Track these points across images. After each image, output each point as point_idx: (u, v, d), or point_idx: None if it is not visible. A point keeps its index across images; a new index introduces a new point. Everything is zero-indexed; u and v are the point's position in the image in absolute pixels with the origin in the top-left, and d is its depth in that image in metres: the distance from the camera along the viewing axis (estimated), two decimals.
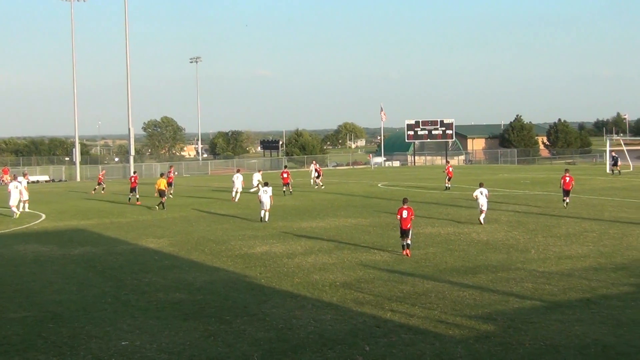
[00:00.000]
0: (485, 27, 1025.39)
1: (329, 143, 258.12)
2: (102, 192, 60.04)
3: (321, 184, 60.93)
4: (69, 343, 15.48)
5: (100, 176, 63.67)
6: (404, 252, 25.64)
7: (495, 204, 40.03)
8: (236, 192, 49.73)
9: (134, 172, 61.17)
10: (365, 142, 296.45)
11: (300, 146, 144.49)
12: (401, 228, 25.89)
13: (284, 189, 54.18)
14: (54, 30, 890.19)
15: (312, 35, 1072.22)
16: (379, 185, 63.01)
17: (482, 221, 33.49)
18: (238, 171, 53.04)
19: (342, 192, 55.39)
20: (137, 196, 49.21)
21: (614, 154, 75.84)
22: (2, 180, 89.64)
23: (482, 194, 33.92)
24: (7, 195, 43.93)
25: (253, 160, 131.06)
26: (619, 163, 71.40)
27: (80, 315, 18.04)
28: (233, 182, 50.30)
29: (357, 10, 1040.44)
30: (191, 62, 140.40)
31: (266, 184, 37.87)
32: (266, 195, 36.51)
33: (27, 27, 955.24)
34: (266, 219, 36.41)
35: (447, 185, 56.16)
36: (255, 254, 26.61)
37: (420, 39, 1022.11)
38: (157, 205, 44.91)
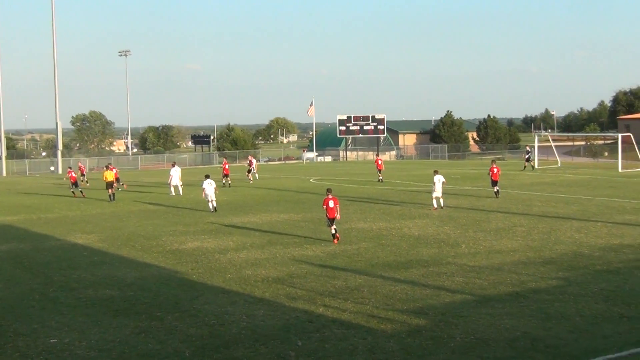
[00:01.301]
0: (414, 22, 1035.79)
1: (260, 138, 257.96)
2: (87, 184, 59.74)
3: (252, 178, 61.19)
4: None
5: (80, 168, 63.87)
6: (335, 241, 26.83)
7: (426, 199, 40.40)
8: (175, 186, 49.36)
9: (70, 167, 60.12)
10: (298, 137, 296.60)
11: (231, 141, 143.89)
12: (329, 217, 27.02)
13: (224, 181, 55.19)
14: None
15: (242, 29, 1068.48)
16: (311, 180, 63.11)
17: (441, 205, 36.89)
18: (174, 165, 52.55)
19: (274, 187, 55.32)
20: (80, 189, 50.11)
21: (527, 148, 77.89)
22: None
23: (439, 181, 36.88)
24: None
25: (184, 155, 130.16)
26: (532, 158, 72.70)
27: (7, 312, 17.70)
28: (171, 176, 49.78)
29: (289, 4, 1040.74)
30: (120, 56, 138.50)
31: (207, 176, 38.73)
32: (210, 187, 37.75)
33: None
34: (214, 208, 37.76)
35: (380, 177, 57.67)
36: (187, 249, 26.43)
37: (351, 35, 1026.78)
38: (109, 196, 45.84)
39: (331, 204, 26.99)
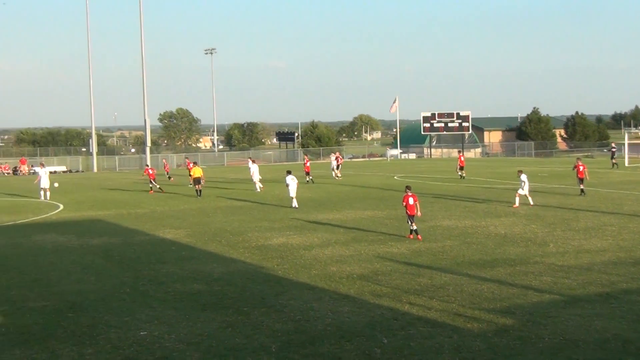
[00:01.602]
0: (500, 18, 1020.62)
1: (344, 135, 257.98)
2: (170, 180, 61.48)
3: (340, 175, 62.06)
4: (88, 332, 15.57)
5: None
6: (413, 237, 27.30)
7: (513, 197, 39.86)
8: (255, 182, 50.07)
9: (147, 165, 61.57)
10: (381, 134, 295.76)
11: (315, 138, 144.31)
12: (409, 214, 27.32)
13: (307, 178, 55.94)
14: (71, 22, 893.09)
15: (327, 26, 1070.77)
16: (395, 177, 62.92)
17: (530, 203, 36.89)
18: (253, 162, 53.20)
19: (358, 184, 55.35)
20: (158, 186, 51.04)
21: (613, 145, 75.90)
22: (20, 170, 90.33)
23: (526, 179, 37.32)
24: (39, 180, 47.63)
25: (269, 152, 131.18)
26: (615, 156, 70.72)
27: (99, 305, 18.13)
28: (253, 172, 50.56)
29: (373, 1, 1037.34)
30: (206, 54, 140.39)
31: (289, 172, 39.48)
32: (294, 182, 38.51)
33: (44, 19, 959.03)
34: (294, 205, 38.23)
35: (460, 174, 57.68)
36: (272, 245, 26.65)
37: (436, 31, 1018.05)
38: (196, 192, 46.57)
39: (411, 201, 27.40)
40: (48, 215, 38.22)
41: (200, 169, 48.98)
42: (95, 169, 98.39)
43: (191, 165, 54.56)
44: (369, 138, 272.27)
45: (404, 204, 27.61)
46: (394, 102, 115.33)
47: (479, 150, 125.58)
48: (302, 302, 17.93)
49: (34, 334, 15.60)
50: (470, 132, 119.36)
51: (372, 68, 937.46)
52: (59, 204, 43.76)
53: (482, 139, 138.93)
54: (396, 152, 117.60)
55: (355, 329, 15.41)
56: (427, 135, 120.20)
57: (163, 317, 16.74)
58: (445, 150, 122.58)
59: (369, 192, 47.69)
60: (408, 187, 28.44)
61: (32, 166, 61.50)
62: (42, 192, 47.42)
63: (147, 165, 56.68)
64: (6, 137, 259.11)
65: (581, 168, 41.60)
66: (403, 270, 21.53)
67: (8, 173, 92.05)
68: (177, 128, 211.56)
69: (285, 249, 25.71)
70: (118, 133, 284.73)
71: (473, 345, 14.11)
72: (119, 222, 34.27)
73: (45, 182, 47.49)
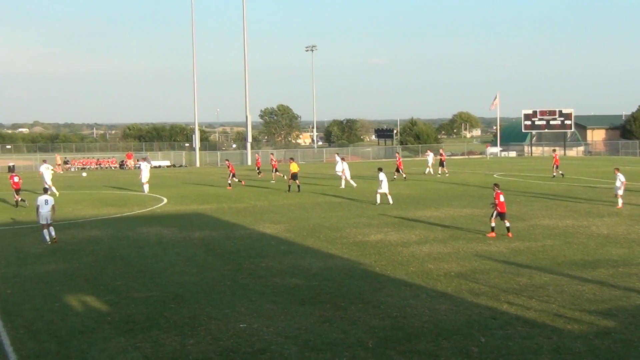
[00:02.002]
0: (606, 14, 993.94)
1: (443, 132, 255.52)
2: (259, 175, 62.78)
3: (446, 171, 63.10)
4: (190, 323, 15.91)
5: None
6: (499, 234, 27.21)
7: (615, 197, 38.79)
8: (346, 180, 50.50)
9: (227, 160, 62.28)
10: (481, 132, 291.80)
11: (414, 135, 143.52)
12: (500, 212, 27.25)
13: (395, 176, 56.04)
14: (175, 20, 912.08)
15: (426, 23, 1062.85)
16: (495, 175, 62.05)
17: (619, 204, 35.78)
18: (343, 159, 53.57)
19: (457, 181, 54.81)
20: (236, 180, 53.48)
21: None
22: (126, 165, 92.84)
23: (620, 179, 36.15)
24: (139, 173, 50.09)
25: (367, 149, 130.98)
26: None
27: (201, 297, 18.48)
28: (343, 169, 50.96)
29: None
30: (307, 51, 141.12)
31: (380, 169, 39.61)
32: (385, 179, 38.81)
33: (149, 17, 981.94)
34: (378, 201, 38.67)
35: (555, 173, 57.06)
36: (370, 241, 26.64)
37: (536, 27, 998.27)
38: (289, 186, 47.66)
39: (502, 198, 27.25)
40: (153, 208, 39.16)
41: (297, 165, 49.46)
42: (197, 164, 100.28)
43: (274, 161, 57.95)
44: (468, 135, 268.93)
45: (497, 201, 27.28)
46: (495, 99, 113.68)
47: (581, 148, 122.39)
48: (399, 298, 17.88)
49: (138, 323, 16.03)
50: (572, 130, 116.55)
51: (472, 65, 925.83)
52: (163, 197, 44.77)
53: (584, 137, 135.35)
54: (496, 149, 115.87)
55: (453, 327, 15.29)
56: (527, 133, 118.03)
57: (262, 310, 16.94)
58: (546, 148, 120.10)
59: (468, 190, 47.15)
60: (497, 185, 28.36)
61: (137, 160, 63.48)
62: (144, 186, 49.19)
63: (227, 160, 57.88)
64: (113, 132, 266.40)
65: None
66: (502, 269, 21.22)
67: (115, 167, 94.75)
68: (278, 124, 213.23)
69: (382, 246, 25.67)
70: (220, 129, 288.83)
71: (573, 347, 13.82)
72: (220, 216, 34.83)
73: (145, 176, 49.32)
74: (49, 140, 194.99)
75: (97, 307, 17.69)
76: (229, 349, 14.10)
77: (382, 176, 38.82)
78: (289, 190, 47.04)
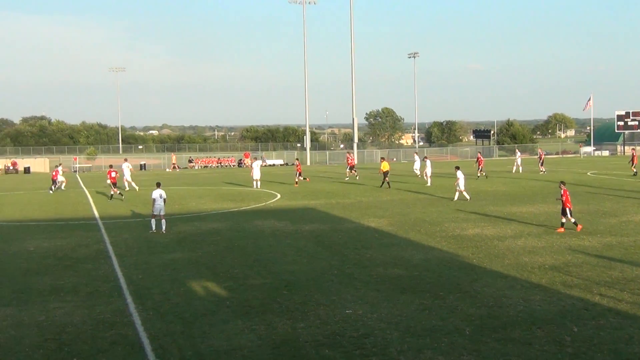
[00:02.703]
0: None
1: (538, 133, 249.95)
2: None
3: (543, 170, 61.84)
4: (300, 309, 16.06)
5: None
6: (564, 230, 26.62)
7: None
8: (424, 177, 51.31)
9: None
10: (575, 132, 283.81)
11: (510, 135, 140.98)
12: (568, 208, 26.82)
13: (479, 174, 56.18)
14: (288, 30, 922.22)
15: (520, 28, 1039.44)
16: (588, 173, 60.29)
17: None
18: (425, 158, 53.56)
19: (551, 179, 53.47)
20: (302, 178, 55.09)
21: None
22: (244, 163, 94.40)
23: None
24: (252, 172, 50.75)
25: (466, 149, 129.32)
26: None
27: (310, 284, 18.63)
28: (427, 167, 51.46)
29: (563, 3, 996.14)
30: (409, 58, 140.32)
31: (457, 168, 39.57)
32: (462, 176, 38.65)
33: (265, 29, 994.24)
34: (455, 198, 38.62)
35: (634, 171, 56.44)
36: (468, 235, 26.30)
37: (627, 30, 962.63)
38: (382, 184, 48.07)
39: (567, 194, 27.00)
40: (267, 203, 39.68)
41: (387, 164, 49.88)
42: (308, 163, 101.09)
43: (350, 159, 60.19)
44: (562, 136, 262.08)
45: (564, 198, 26.90)
46: (588, 100, 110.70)
47: None
48: (495, 289, 17.60)
49: (254, 307, 16.29)
50: None
51: (566, 68, 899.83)
52: (276, 193, 45.32)
53: None
54: (590, 149, 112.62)
55: (546, 317, 14.95)
56: (620, 133, 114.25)
57: (366, 298, 16.96)
58: (638, 148, 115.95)
59: None
60: (563, 183, 28.02)
61: (254, 159, 65.13)
62: (254, 182, 50.07)
63: (297, 160, 58.90)
64: (232, 133, 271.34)
65: None
66: (594, 263, 20.61)
67: (234, 165, 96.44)
68: (382, 126, 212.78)
69: (479, 239, 25.31)
70: (329, 130, 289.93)
71: None
72: (328, 211, 35.01)
73: (257, 174, 50.25)
74: (175, 141, 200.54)
75: (217, 292, 18.07)
76: (336, 333, 14.18)
77: (459, 174, 38.43)
78: (381, 186, 48.01)
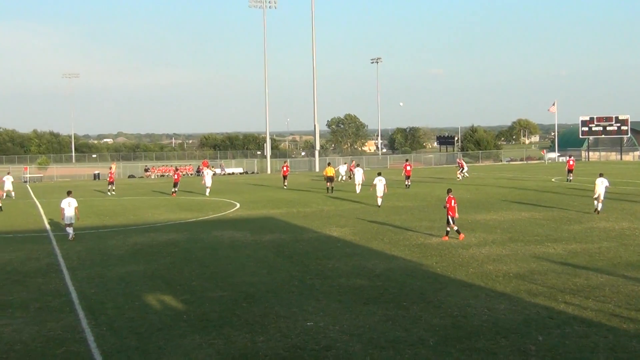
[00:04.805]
0: None
1: (503, 139, 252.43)
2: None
3: (460, 177, 64.56)
4: (260, 321, 15.98)
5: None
6: (448, 238, 27.19)
7: None
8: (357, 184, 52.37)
9: (285, 162, 67.73)
10: (539, 138, 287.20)
11: (475, 141, 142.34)
12: (452, 216, 27.11)
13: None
14: (248, 35, 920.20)
15: (483, 33, 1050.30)
16: (553, 180, 61.04)
17: (598, 210, 34.44)
18: (357, 166, 56.92)
19: (515, 186, 54.09)
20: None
21: None
22: (202, 171, 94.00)
23: (602, 183, 34.94)
24: (203, 178, 53.51)
25: (429, 155, 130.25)
26: None
27: (270, 296, 18.56)
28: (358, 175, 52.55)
29: (526, 8, 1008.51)
30: (372, 63, 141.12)
31: (379, 174, 41.63)
32: (381, 183, 40.15)
33: (224, 32, 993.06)
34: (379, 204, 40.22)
35: (569, 178, 58.55)
36: (431, 244, 26.44)
37: (590, 35, 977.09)
38: (327, 190, 50.72)
39: (452, 203, 27.18)
40: (226, 212, 39.51)
41: (333, 169, 53.87)
42: (269, 171, 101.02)
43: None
44: (527, 142, 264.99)
45: (447, 205, 27.35)
46: (553, 104, 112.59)
47: (637, 153, 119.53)
48: (459, 298, 17.70)
49: (212, 321, 16.17)
50: (628, 135, 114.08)
51: (530, 74, 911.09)
52: (236, 202, 45.15)
53: None
54: (554, 155, 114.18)
55: (511, 326, 15.06)
56: (585, 138, 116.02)
57: (328, 309, 16.94)
58: (603, 153, 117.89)
59: (526, 194, 46.50)
60: (449, 190, 28.36)
61: (212, 167, 65.02)
62: (207, 190, 52.89)
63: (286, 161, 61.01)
64: (191, 141, 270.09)
65: None
66: (559, 270, 20.84)
67: (192, 174, 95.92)
68: (345, 133, 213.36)
69: (443, 248, 25.45)
70: (290, 137, 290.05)
71: (629, 346, 13.49)
72: (289, 220, 34.97)
73: (209, 182, 53.19)
74: (131, 150, 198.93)
75: (174, 305, 17.92)
76: (297, 346, 14.13)
77: (375, 180, 40.42)
78: (328, 192, 50.69)
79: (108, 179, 59.80)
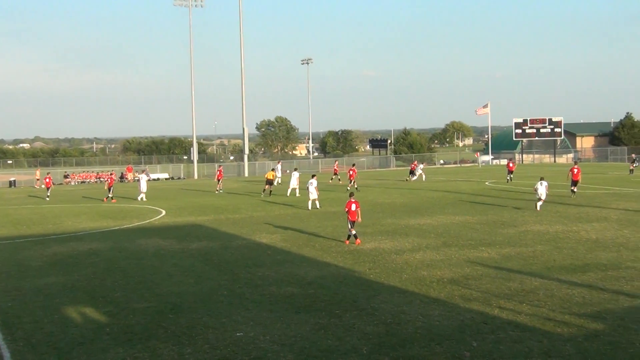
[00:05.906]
0: (593, 23, 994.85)
1: (436, 142, 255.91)
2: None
3: (409, 180, 67.53)
4: (188, 333, 15.88)
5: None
6: (353, 242, 27.94)
7: (605, 202, 38.99)
8: (294, 189, 53.00)
9: (219, 166, 69.87)
10: (473, 141, 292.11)
11: (408, 145, 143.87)
12: (350, 220, 28.01)
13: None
14: (173, 35, 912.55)
15: (414, 35, 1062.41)
16: (487, 183, 62.12)
17: (539, 208, 37.47)
18: (295, 169, 57.03)
19: (449, 189, 54.86)
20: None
21: (633, 156, 78.54)
22: (126, 178, 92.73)
23: (542, 185, 37.96)
24: (139, 184, 53.67)
25: (362, 159, 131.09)
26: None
27: (198, 306, 18.45)
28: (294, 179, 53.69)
29: (459, 9, 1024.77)
30: (302, 64, 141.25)
31: (313, 176, 43.82)
32: (312, 186, 42.04)
33: (147, 32, 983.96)
34: (317, 206, 41.99)
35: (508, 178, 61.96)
36: (364, 250, 26.64)
37: (524, 37, 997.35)
38: (263, 192, 52.58)
39: (353, 207, 27.96)
40: (151, 220, 39.10)
41: (274, 173, 55.77)
42: (196, 176, 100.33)
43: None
44: (460, 144, 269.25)
45: (347, 209, 28.16)
46: (485, 106, 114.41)
47: (571, 155, 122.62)
48: (393, 305, 17.88)
49: (137, 333, 15.99)
50: (562, 137, 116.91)
51: (463, 75, 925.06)
52: (161, 209, 44.72)
53: (574, 145, 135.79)
54: (487, 157, 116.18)
55: (445, 332, 15.29)
56: (518, 141, 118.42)
57: (258, 319, 16.92)
58: (536, 155, 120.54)
59: (460, 198, 47.21)
60: (351, 194, 29.24)
61: (136, 173, 64.38)
62: (141, 195, 53.03)
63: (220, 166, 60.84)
64: (113, 146, 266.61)
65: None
66: (493, 275, 21.24)
67: (116, 180, 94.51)
68: (275, 136, 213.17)
69: (377, 253, 25.67)
70: (218, 141, 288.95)
71: (563, 350, 13.83)
72: (217, 227, 34.80)
73: (144, 187, 53.35)
74: (49, 155, 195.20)
75: (96, 318, 17.66)
76: (226, 358, 14.08)
77: (308, 183, 42.11)
78: (262, 193, 52.54)
79: (45, 185, 59.95)
